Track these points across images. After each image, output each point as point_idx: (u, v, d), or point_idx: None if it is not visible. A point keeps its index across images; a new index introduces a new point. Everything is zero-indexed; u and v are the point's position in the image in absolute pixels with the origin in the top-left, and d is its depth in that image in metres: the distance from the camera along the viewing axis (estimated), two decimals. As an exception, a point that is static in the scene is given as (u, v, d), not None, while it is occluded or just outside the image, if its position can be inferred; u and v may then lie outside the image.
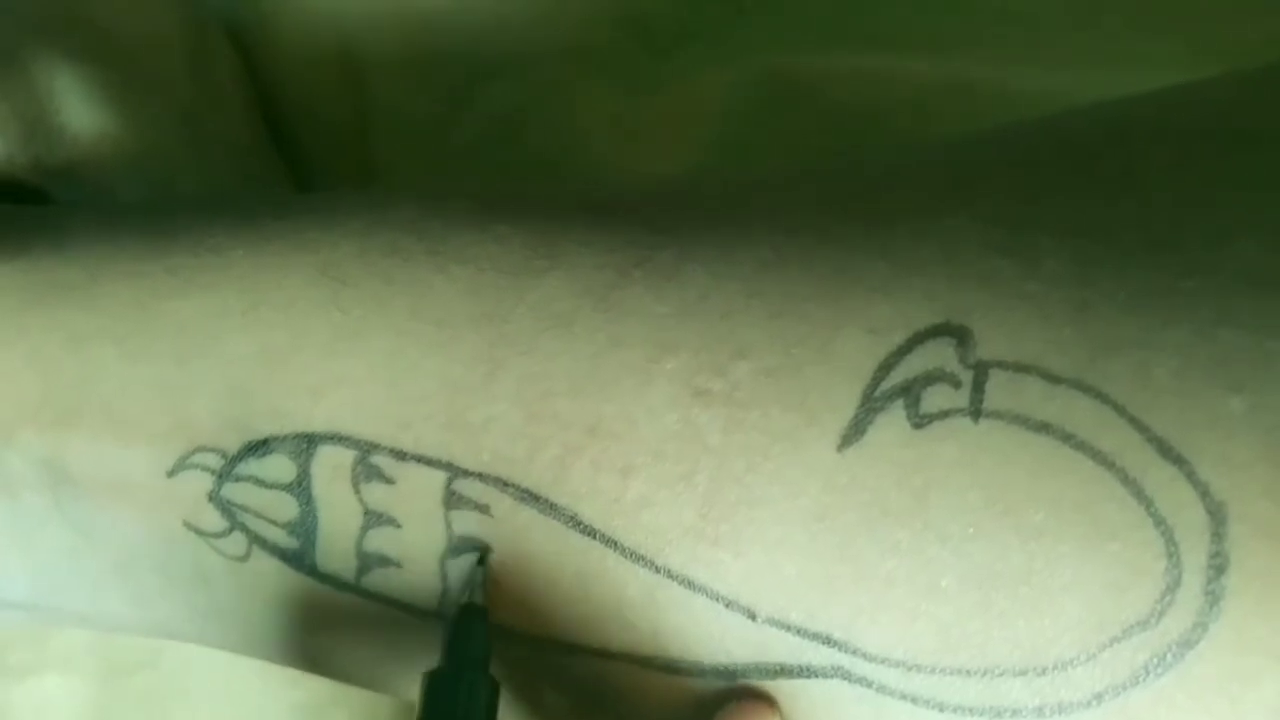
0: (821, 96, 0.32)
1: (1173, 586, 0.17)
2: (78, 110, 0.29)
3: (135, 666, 0.33)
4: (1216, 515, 0.17)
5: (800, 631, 0.19)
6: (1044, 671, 0.18)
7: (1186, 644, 0.17)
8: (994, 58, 0.32)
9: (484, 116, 0.34)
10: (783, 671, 0.19)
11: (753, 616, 0.19)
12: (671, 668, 0.20)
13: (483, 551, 0.20)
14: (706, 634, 0.19)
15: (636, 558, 0.20)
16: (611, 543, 0.20)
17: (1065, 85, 0.30)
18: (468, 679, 0.20)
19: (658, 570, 0.20)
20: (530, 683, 0.22)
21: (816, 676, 0.19)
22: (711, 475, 0.19)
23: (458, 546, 0.21)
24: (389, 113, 0.35)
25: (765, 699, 0.19)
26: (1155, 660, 0.17)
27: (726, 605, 0.19)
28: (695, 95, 0.33)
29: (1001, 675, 0.18)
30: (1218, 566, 0.17)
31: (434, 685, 0.20)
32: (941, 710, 0.18)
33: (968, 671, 0.18)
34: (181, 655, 0.33)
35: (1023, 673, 0.18)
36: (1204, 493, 0.17)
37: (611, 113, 0.34)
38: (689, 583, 0.19)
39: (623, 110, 0.34)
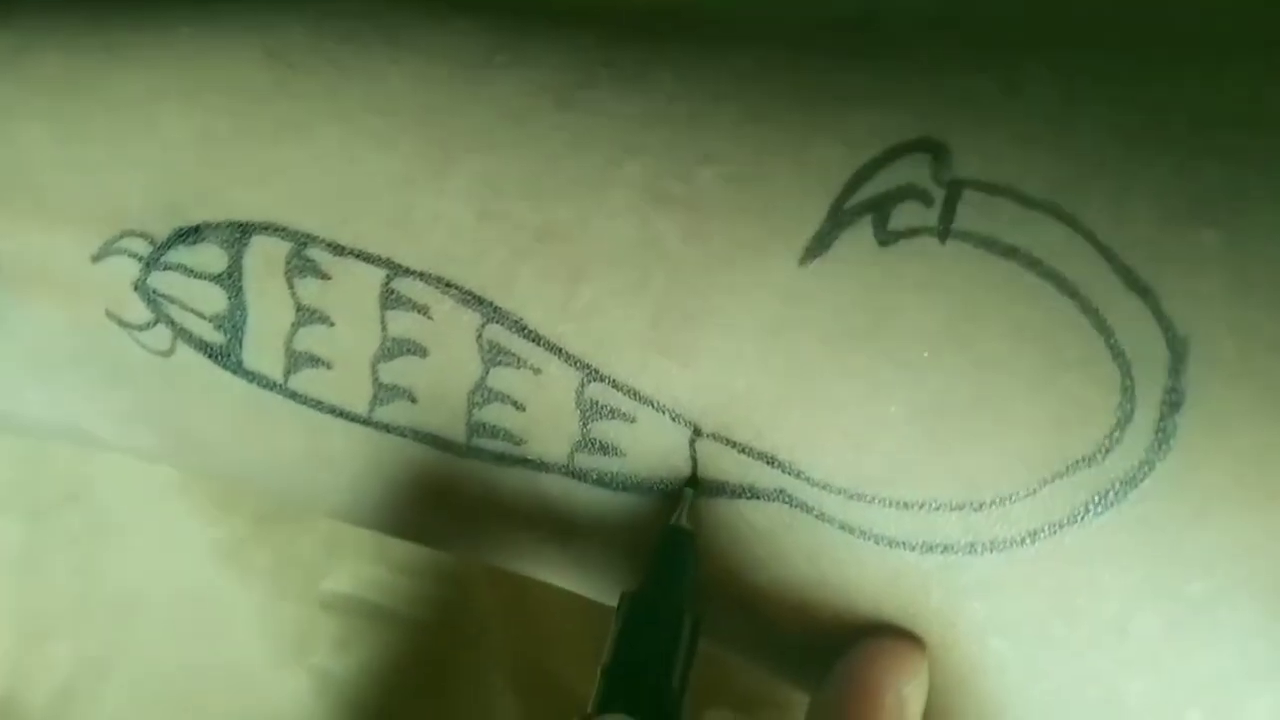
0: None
1: (1123, 422, 0.17)
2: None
3: (62, 501, 0.32)
4: (1177, 350, 0.16)
5: (745, 449, 0.18)
6: (980, 506, 0.17)
7: (1130, 482, 0.17)
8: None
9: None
10: (724, 490, 0.19)
11: (698, 431, 0.19)
12: (606, 481, 0.19)
13: (691, 475, 0.19)
14: (648, 447, 0.19)
15: (581, 366, 0.19)
16: (556, 350, 0.19)
17: None
18: (671, 603, 0.18)
19: (602, 379, 0.19)
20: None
21: (759, 499, 0.19)
22: (666, 283, 0.18)
23: (391, 349, 0.20)
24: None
25: (915, 639, 0.18)
26: (1096, 498, 0.17)
27: (672, 418, 0.19)
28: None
29: (938, 509, 0.18)
30: (1172, 403, 0.16)
31: (635, 607, 0.19)
32: (876, 542, 0.18)
33: (905, 504, 0.18)
34: (108, 491, 0.33)
35: (959, 507, 0.17)
36: (1167, 326, 0.16)
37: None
38: (634, 393, 0.19)
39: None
